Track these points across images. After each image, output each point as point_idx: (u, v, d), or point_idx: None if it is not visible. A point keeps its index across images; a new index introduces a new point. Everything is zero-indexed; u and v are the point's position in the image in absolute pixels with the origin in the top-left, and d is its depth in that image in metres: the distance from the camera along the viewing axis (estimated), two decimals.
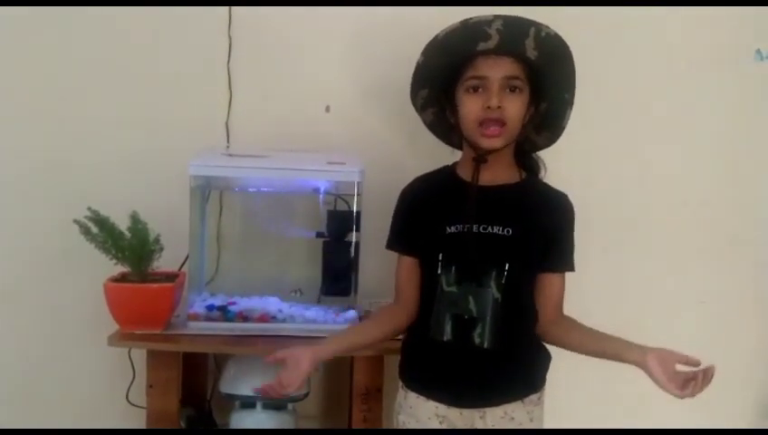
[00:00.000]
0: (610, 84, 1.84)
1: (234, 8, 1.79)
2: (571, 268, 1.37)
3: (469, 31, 1.27)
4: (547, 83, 1.33)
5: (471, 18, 1.28)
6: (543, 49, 1.28)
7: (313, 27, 1.82)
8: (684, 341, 1.91)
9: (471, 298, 1.27)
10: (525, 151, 1.41)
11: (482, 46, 1.26)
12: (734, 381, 1.94)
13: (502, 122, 1.27)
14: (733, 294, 1.93)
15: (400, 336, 1.42)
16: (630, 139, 1.88)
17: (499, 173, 1.34)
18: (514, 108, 1.28)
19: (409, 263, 1.39)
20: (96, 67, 1.81)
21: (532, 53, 1.28)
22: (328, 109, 1.84)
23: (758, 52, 1.87)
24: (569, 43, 1.32)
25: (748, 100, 1.89)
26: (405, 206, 1.41)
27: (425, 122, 1.48)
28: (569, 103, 1.37)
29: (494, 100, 1.25)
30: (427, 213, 1.35)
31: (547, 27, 1.28)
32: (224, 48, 1.80)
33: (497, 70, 1.27)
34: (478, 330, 1.27)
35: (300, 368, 1.25)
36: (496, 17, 1.26)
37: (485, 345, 1.26)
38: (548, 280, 1.35)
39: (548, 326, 1.36)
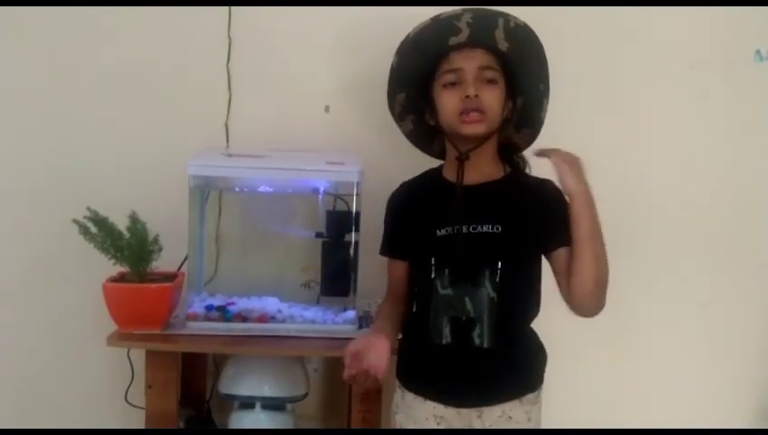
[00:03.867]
0: (610, 85, 1.84)
1: (233, 9, 1.79)
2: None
3: (439, 26, 1.30)
4: (521, 76, 1.34)
5: (440, 14, 1.31)
6: (514, 40, 1.31)
7: (313, 27, 1.82)
8: (683, 343, 1.93)
9: (467, 299, 1.27)
10: (509, 149, 1.42)
11: (453, 41, 1.29)
12: (734, 382, 1.94)
13: (481, 110, 1.27)
14: (732, 296, 1.92)
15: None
16: (630, 140, 1.88)
17: (483, 170, 1.34)
18: (492, 97, 1.29)
19: (401, 267, 1.41)
20: (95, 67, 1.81)
21: (503, 44, 1.30)
22: (327, 109, 1.84)
23: (758, 52, 1.87)
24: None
25: (748, 101, 1.89)
26: (392, 212, 1.42)
27: (404, 132, 1.50)
28: (544, 95, 1.38)
29: (470, 89, 1.27)
30: (415, 218, 1.36)
31: (515, 18, 1.31)
32: (223, 48, 1.80)
33: (471, 61, 1.28)
34: (477, 330, 1.26)
35: (381, 352, 1.20)
36: (465, 10, 1.29)
37: (485, 345, 1.26)
38: (559, 256, 1.29)
39: (571, 297, 1.28)
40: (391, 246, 1.42)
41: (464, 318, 1.27)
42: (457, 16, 1.29)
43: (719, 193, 1.90)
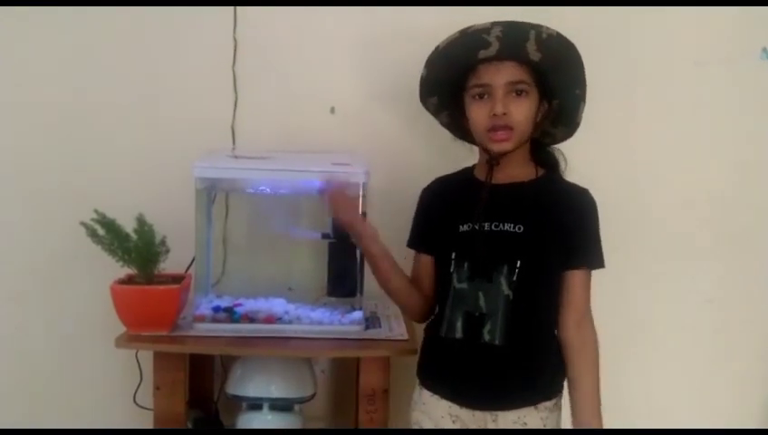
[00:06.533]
0: (616, 82, 1.83)
1: (239, 10, 1.79)
2: (596, 264, 1.33)
3: (468, 40, 1.27)
4: (556, 82, 1.32)
5: (469, 27, 1.28)
6: (547, 50, 1.27)
7: (318, 29, 1.82)
8: (690, 340, 1.92)
9: (481, 295, 1.28)
10: (543, 146, 1.41)
11: (482, 54, 1.26)
12: (740, 381, 1.93)
13: (509, 127, 1.27)
14: (740, 294, 1.92)
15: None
16: (636, 137, 1.87)
17: (514, 171, 1.34)
18: (521, 111, 1.27)
19: (427, 261, 1.41)
20: (101, 69, 1.81)
21: (535, 55, 1.27)
22: (333, 110, 1.84)
23: (764, 50, 1.87)
24: (575, 41, 1.32)
25: (754, 98, 1.88)
26: (422, 205, 1.44)
27: (441, 123, 1.49)
28: (581, 99, 1.36)
29: (498, 107, 1.25)
30: (441, 212, 1.37)
31: (548, 29, 1.27)
32: (229, 50, 1.80)
33: (500, 76, 1.26)
34: (488, 327, 1.27)
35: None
36: (495, 24, 1.25)
37: (496, 342, 1.26)
38: (567, 277, 1.32)
39: (568, 332, 1.32)
40: (418, 240, 1.43)
41: (477, 314, 1.28)
42: (487, 30, 1.25)
43: (726, 190, 1.90)
